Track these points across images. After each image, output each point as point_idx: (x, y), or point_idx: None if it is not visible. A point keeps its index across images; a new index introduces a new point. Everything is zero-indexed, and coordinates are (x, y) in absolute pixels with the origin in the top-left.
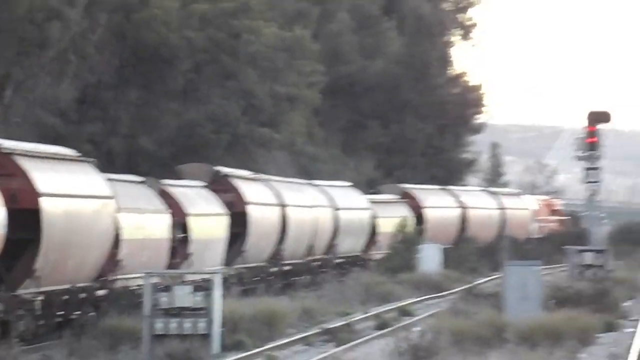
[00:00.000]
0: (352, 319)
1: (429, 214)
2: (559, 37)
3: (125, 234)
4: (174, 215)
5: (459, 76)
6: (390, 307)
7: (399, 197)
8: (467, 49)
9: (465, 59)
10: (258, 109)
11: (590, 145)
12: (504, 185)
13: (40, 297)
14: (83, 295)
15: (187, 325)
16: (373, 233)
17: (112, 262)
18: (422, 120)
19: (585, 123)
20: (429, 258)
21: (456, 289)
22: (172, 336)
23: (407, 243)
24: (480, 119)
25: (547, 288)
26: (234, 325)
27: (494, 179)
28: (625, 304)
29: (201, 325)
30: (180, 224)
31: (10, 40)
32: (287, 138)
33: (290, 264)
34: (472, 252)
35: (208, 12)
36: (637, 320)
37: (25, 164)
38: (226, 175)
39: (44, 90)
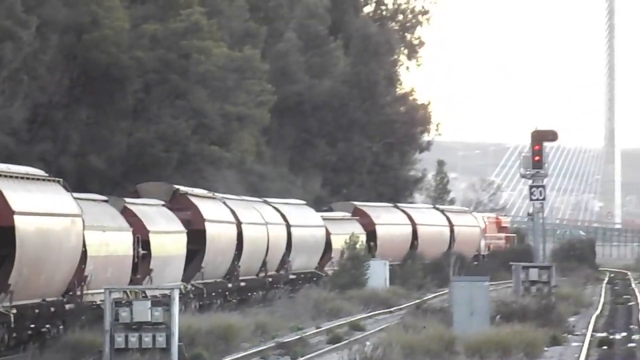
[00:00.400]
0: (305, 334)
1: (380, 230)
2: (502, 55)
3: (91, 251)
4: (135, 232)
5: (406, 95)
6: (341, 322)
7: (350, 214)
8: (413, 67)
9: (412, 77)
10: (208, 128)
11: (535, 163)
12: (450, 202)
13: (14, 311)
14: (52, 309)
15: (147, 339)
16: (327, 250)
17: (79, 277)
18: (369, 139)
19: (530, 141)
20: (377, 274)
21: (404, 305)
22: (132, 350)
23: (355, 260)
24: (426, 137)
25: (494, 303)
26: (192, 339)
27: (440, 196)
28: (570, 319)
29: (160, 339)
30: (142, 241)
31: None
32: (236, 156)
33: (245, 280)
34: (418, 268)
35: (158, 32)
36: (582, 334)
37: (1, 186)
38: (185, 194)
39: None
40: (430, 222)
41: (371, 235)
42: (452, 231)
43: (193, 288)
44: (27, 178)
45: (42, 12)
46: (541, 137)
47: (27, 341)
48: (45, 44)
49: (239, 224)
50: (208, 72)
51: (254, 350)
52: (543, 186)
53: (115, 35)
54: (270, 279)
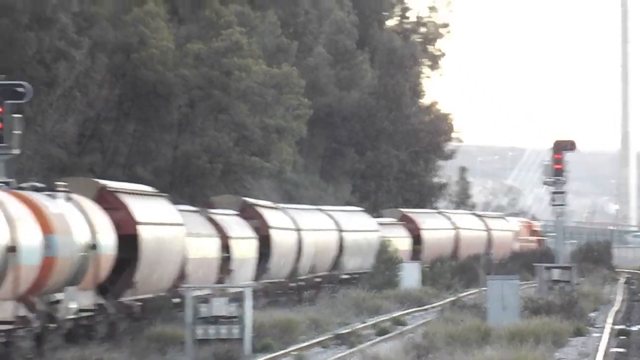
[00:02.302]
0: (355, 327)
1: (425, 235)
2: (519, 61)
3: (190, 254)
4: (220, 238)
5: (430, 105)
6: (384, 318)
7: (397, 220)
8: (436, 77)
9: (434, 86)
10: (249, 140)
11: (556, 171)
12: (472, 207)
13: (139, 303)
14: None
15: (223, 331)
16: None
17: (181, 276)
18: (396, 147)
19: (548, 145)
20: (410, 275)
21: (436, 303)
22: (210, 340)
23: (388, 262)
24: (450, 145)
25: (522, 300)
26: (260, 331)
27: (462, 201)
28: (591, 314)
29: (235, 331)
30: (224, 245)
31: (21, 79)
32: (275, 167)
33: (303, 280)
34: (446, 270)
35: (202, 51)
36: (602, 327)
37: (126, 200)
38: (253, 205)
39: (52, 125)
40: (470, 226)
41: (417, 239)
42: (489, 235)
43: (261, 286)
44: (143, 194)
45: (93, 33)
46: (561, 147)
47: (122, 333)
48: (96, 63)
49: (298, 230)
50: (248, 88)
51: (315, 341)
52: (564, 192)
53: (161, 54)
54: (319, 279)
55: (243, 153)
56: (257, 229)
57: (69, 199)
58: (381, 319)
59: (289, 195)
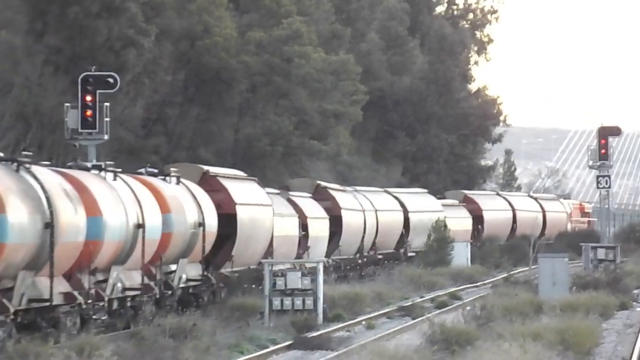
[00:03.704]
0: (416, 301)
1: (486, 215)
2: (559, 39)
3: (276, 232)
4: (299, 218)
5: (479, 90)
6: (440, 293)
7: (459, 201)
8: (483, 62)
9: (482, 71)
10: (308, 124)
11: (601, 155)
12: (517, 189)
13: (236, 275)
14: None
15: (298, 302)
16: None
17: (268, 251)
18: (445, 131)
19: (591, 127)
20: (460, 254)
21: (487, 280)
22: (286, 311)
23: (441, 241)
24: (497, 129)
25: (570, 277)
26: (332, 302)
27: (508, 182)
28: (634, 290)
29: (309, 302)
30: (302, 224)
31: (91, 66)
32: (333, 149)
33: (367, 257)
34: (494, 249)
35: (263, 39)
36: None
37: (225, 183)
38: (325, 187)
39: (122, 110)
40: (527, 208)
41: (478, 219)
42: (544, 216)
43: (333, 262)
44: (238, 178)
45: (160, 22)
46: (606, 133)
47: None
48: (163, 50)
49: (364, 211)
50: (308, 75)
51: (381, 312)
52: (609, 176)
53: (224, 41)
54: (381, 257)
55: (302, 136)
56: (329, 210)
57: (179, 182)
58: (438, 293)
59: (343, 177)
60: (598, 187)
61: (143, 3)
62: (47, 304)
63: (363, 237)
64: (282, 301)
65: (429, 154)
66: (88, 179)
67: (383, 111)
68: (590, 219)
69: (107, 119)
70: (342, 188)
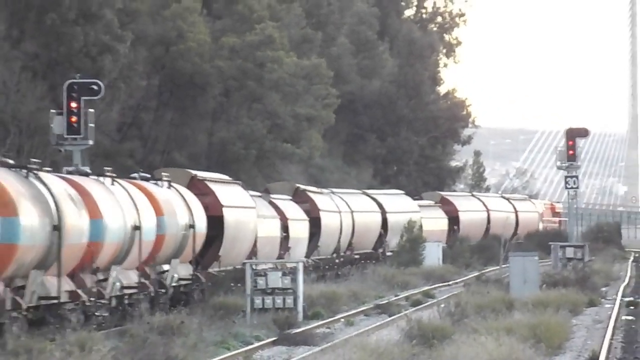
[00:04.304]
0: (391, 299)
1: (462, 216)
2: (524, 41)
3: (259, 233)
4: (280, 220)
5: (448, 93)
6: (415, 292)
7: (434, 202)
8: (451, 64)
9: (450, 73)
10: (281, 128)
11: (569, 157)
12: (486, 189)
13: (223, 274)
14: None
15: (278, 301)
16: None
17: (252, 251)
18: (415, 133)
19: (557, 127)
20: (432, 254)
21: (458, 280)
22: (267, 309)
23: (413, 242)
24: (467, 131)
25: (540, 275)
26: (311, 301)
27: (477, 183)
28: (602, 288)
29: (289, 301)
30: (283, 226)
31: (68, 72)
32: (306, 153)
33: (343, 257)
34: (465, 249)
35: (236, 44)
36: (612, 299)
37: (213, 186)
38: (304, 190)
39: (98, 114)
40: (500, 208)
41: (454, 220)
42: (517, 216)
43: (312, 262)
44: (224, 182)
45: (135, 28)
46: (574, 134)
47: (183, 302)
48: (138, 56)
49: (345, 212)
50: (280, 79)
51: (358, 310)
52: (576, 176)
53: (198, 47)
54: (357, 256)
55: (275, 140)
56: (308, 212)
57: (170, 187)
58: (412, 292)
59: (315, 179)
60: (566, 188)
61: (118, 10)
62: (55, 301)
63: (339, 237)
64: (263, 300)
65: (400, 156)
66: (89, 184)
67: (353, 114)
68: (561, 218)
69: (92, 125)
70: (320, 190)
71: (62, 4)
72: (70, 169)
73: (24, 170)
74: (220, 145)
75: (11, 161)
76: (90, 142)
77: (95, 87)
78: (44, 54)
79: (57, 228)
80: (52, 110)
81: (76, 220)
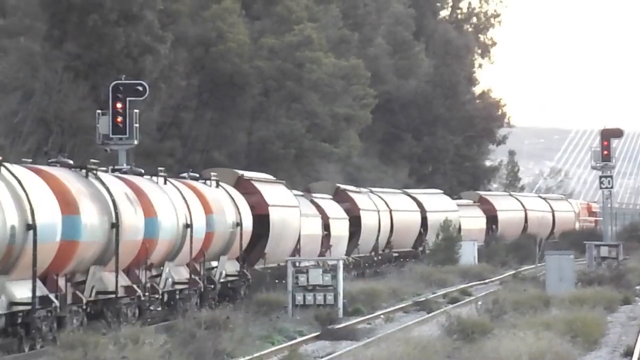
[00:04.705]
0: (428, 297)
1: (500, 215)
2: (560, 40)
3: (303, 231)
4: (322, 218)
5: (484, 93)
6: (452, 289)
7: (473, 201)
8: (487, 65)
9: (486, 73)
10: (319, 127)
11: (604, 157)
12: (521, 189)
13: (269, 271)
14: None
15: (319, 297)
16: (459, 230)
17: (296, 249)
18: (451, 133)
19: (592, 126)
20: (467, 253)
21: (494, 278)
22: (308, 305)
23: (449, 240)
24: (502, 130)
25: (575, 273)
26: (351, 298)
27: (512, 183)
28: (637, 286)
29: (329, 297)
30: (324, 225)
31: (110, 72)
32: (344, 152)
33: (382, 255)
34: (500, 248)
35: (275, 45)
36: None
37: (259, 186)
38: (344, 190)
39: (139, 114)
40: (538, 208)
41: (492, 219)
42: (553, 215)
43: (353, 260)
44: (268, 181)
45: (175, 29)
46: (609, 134)
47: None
48: (178, 56)
49: (384, 211)
50: (319, 79)
51: (397, 307)
52: (611, 176)
53: (237, 47)
54: (396, 254)
55: (314, 139)
56: (348, 210)
57: (218, 186)
58: (449, 290)
59: (352, 178)
60: (601, 187)
61: (159, 11)
62: (113, 296)
63: (377, 236)
64: (304, 296)
65: (435, 155)
66: (144, 183)
67: (390, 114)
68: (597, 218)
69: (137, 125)
70: (360, 190)
71: (103, 5)
72: (122, 167)
73: (84, 171)
74: (260, 145)
75: (71, 161)
76: (135, 142)
77: (140, 88)
78: (85, 54)
79: (115, 226)
80: (98, 111)
81: (132, 219)
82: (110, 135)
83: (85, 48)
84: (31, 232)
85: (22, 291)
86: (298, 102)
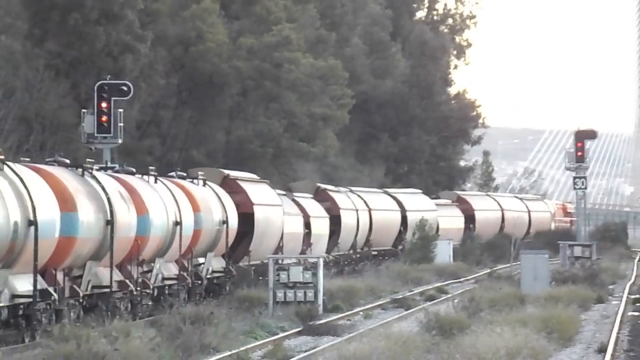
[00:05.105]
0: (406, 294)
1: (478, 215)
2: (532, 41)
3: (285, 229)
4: (303, 217)
5: (459, 94)
6: (429, 287)
7: (451, 201)
8: (461, 65)
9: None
10: (297, 127)
11: (577, 158)
12: (495, 189)
13: (253, 268)
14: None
15: (300, 294)
16: (437, 229)
17: (278, 246)
18: (427, 133)
19: (565, 127)
20: (443, 252)
21: (470, 277)
22: (289, 302)
23: (425, 239)
24: (477, 131)
25: (550, 272)
26: (331, 295)
27: (486, 183)
28: (610, 286)
29: (310, 294)
30: (305, 223)
31: (90, 70)
32: (321, 151)
33: (360, 253)
34: (476, 247)
35: (254, 45)
36: (619, 296)
37: (244, 185)
38: (325, 190)
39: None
40: (514, 208)
41: (469, 218)
42: (529, 215)
43: (333, 258)
44: (253, 181)
45: (155, 28)
46: (583, 136)
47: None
48: (158, 55)
49: (356, 210)
50: (297, 79)
51: (376, 304)
52: (585, 177)
53: (216, 47)
54: (375, 252)
55: (292, 139)
56: (328, 210)
57: (205, 185)
58: (425, 288)
59: (329, 177)
60: (575, 188)
61: (140, 10)
62: (107, 290)
63: (356, 234)
64: (285, 293)
65: (411, 155)
66: (136, 182)
67: (366, 114)
68: (572, 218)
69: (121, 124)
70: (340, 189)
71: (84, 4)
72: (114, 166)
73: (80, 170)
74: (238, 144)
75: (68, 161)
76: (120, 141)
77: (125, 88)
78: (66, 53)
79: (110, 223)
80: (84, 110)
81: (126, 216)
82: (95, 134)
83: (66, 47)
84: (32, 228)
85: (23, 284)
86: (276, 102)
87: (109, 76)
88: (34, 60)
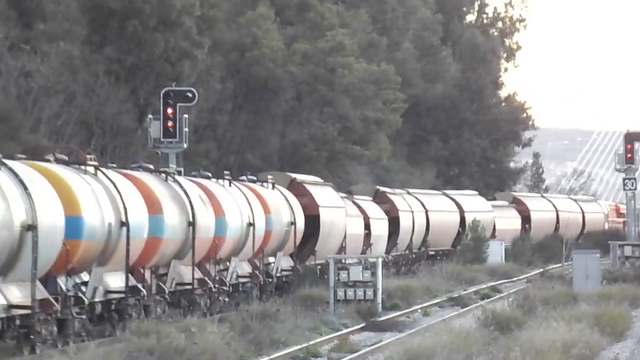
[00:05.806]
0: (461, 293)
1: (533, 215)
2: (582, 41)
3: (348, 230)
4: (363, 219)
5: (509, 97)
6: (483, 287)
7: (508, 202)
8: (511, 68)
9: (510, 76)
10: (351, 131)
11: (627, 159)
12: (545, 190)
13: (319, 267)
14: None
15: (359, 293)
16: (493, 229)
17: (342, 247)
18: (477, 136)
19: (615, 127)
20: (495, 252)
21: (522, 276)
22: (349, 301)
23: (477, 240)
24: (527, 133)
25: (600, 271)
26: (389, 293)
27: (536, 184)
28: None
29: (369, 293)
30: (365, 224)
31: (149, 76)
32: (374, 154)
33: (416, 253)
34: (527, 247)
35: (308, 50)
36: None
37: (310, 188)
38: (384, 192)
39: None
40: (569, 209)
41: (525, 219)
42: (583, 216)
43: (392, 258)
44: (318, 184)
45: (212, 34)
46: (632, 138)
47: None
48: (215, 61)
49: (412, 212)
50: (350, 84)
51: (433, 302)
52: (634, 178)
53: (271, 53)
54: (432, 253)
55: (345, 142)
56: (387, 212)
57: (274, 188)
58: (479, 287)
59: (381, 179)
60: (625, 189)
61: (197, 17)
62: (189, 287)
63: (412, 235)
64: (345, 292)
65: (462, 157)
66: (213, 186)
67: (417, 117)
68: (625, 219)
69: (186, 129)
70: (397, 192)
71: (143, 11)
72: (195, 173)
73: (164, 175)
74: (292, 147)
75: (151, 166)
76: (185, 145)
77: (189, 94)
78: (125, 59)
79: (192, 224)
80: (150, 116)
81: (205, 218)
82: (162, 139)
83: (125, 53)
84: (124, 229)
85: (115, 281)
86: (330, 106)
87: (174, 83)
88: (93, 66)
